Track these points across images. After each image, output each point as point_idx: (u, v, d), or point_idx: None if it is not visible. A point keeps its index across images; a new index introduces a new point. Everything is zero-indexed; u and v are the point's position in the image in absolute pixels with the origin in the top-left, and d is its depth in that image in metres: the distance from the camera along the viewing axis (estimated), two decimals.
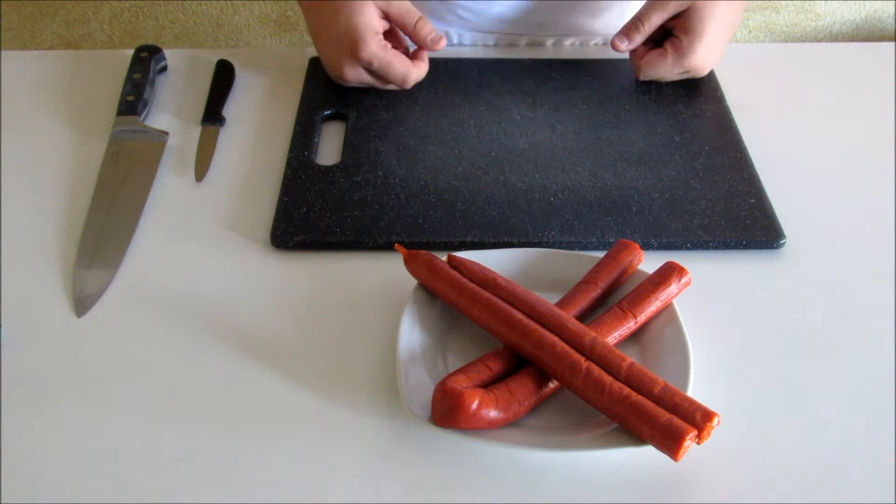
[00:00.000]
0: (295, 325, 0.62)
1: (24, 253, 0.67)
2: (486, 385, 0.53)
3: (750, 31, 2.00)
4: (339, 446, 0.54)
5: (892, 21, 1.97)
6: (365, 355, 0.59)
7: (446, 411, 0.51)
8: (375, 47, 0.77)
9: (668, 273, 0.59)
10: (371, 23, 0.76)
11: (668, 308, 0.59)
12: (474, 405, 0.50)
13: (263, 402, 0.57)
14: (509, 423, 0.53)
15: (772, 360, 0.60)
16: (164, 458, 0.53)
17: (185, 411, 0.56)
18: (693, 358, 0.55)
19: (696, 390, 0.56)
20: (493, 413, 0.51)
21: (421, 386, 0.54)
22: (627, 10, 0.92)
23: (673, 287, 0.58)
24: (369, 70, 0.79)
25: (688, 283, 0.59)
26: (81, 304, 0.63)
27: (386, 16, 0.78)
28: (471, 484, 0.52)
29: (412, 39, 0.81)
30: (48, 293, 0.64)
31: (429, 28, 0.80)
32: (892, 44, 0.93)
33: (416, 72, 0.80)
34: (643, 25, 0.81)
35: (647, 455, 0.51)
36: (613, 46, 0.82)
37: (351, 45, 0.77)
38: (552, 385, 0.54)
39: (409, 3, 0.79)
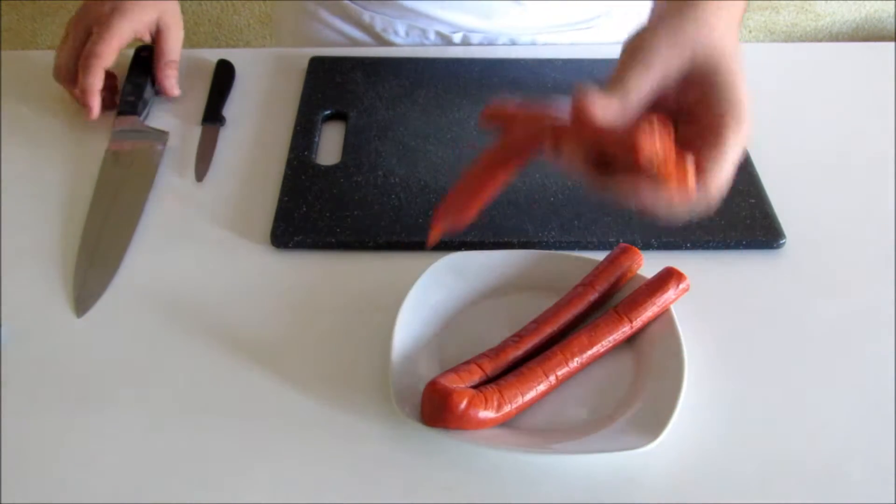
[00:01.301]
0: (295, 325, 0.62)
1: (25, 253, 0.67)
2: (477, 386, 0.53)
3: (750, 31, 2.00)
4: (338, 446, 0.54)
5: (892, 21, 1.97)
6: (365, 355, 0.59)
7: (435, 411, 0.51)
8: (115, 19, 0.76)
9: (667, 278, 0.59)
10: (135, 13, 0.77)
11: (665, 313, 0.58)
12: (462, 405, 0.50)
13: (263, 402, 0.57)
14: (503, 424, 0.53)
15: (771, 360, 0.60)
16: (164, 458, 0.53)
17: (185, 411, 0.56)
18: (687, 365, 0.55)
19: (697, 389, 0.56)
20: (482, 413, 0.51)
21: (414, 386, 0.54)
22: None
23: (670, 293, 0.58)
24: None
25: (686, 290, 0.59)
26: (81, 304, 0.63)
27: (157, 27, 0.80)
28: (471, 484, 0.52)
29: (156, 68, 0.81)
30: (48, 293, 0.64)
31: (172, 75, 0.81)
32: (892, 44, 0.93)
33: (89, 81, 0.75)
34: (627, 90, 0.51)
35: (648, 455, 0.52)
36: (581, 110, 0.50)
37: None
38: (544, 387, 0.54)
39: (179, 41, 0.81)
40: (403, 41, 0.95)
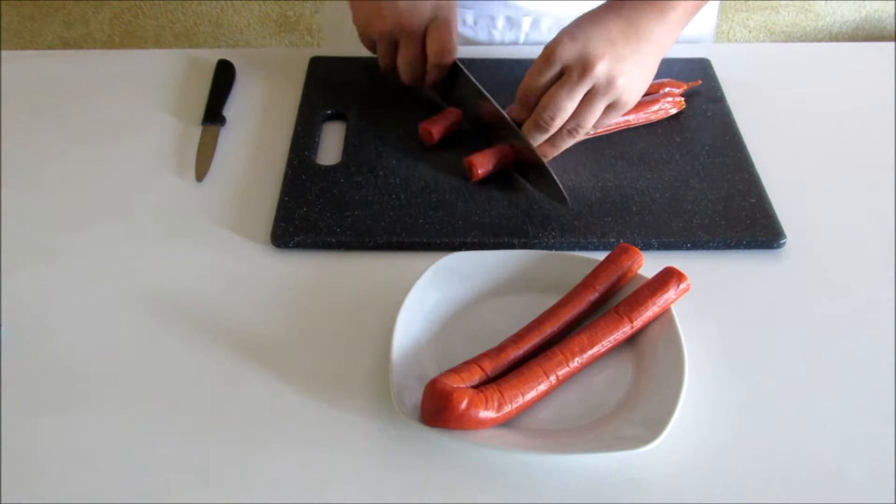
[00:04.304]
0: (294, 326, 0.62)
1: (25, 253, 0.67)
2: (478, 385, 0.53)
3: (750, 31, 2.00)
4: (338, 446, 0.54)
5: (892, 21, 1.97)
6: (365, 355, 0.59)
7: (435, 410, 0.51)
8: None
9: (667, 278, 0.59)
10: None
11: (665, 313, 0.58)
12: (463, 405, 0.50)
13: (263, 402, 0.57)
14: (503, 424, 0.53)
15: (771, 360, 0.60)
16: (164, 458, 0.53)
17: (185, 411, 0.56)
18: (687, 365, 0.54)
19: (697, 389, 0.56)
20: (482, 413, 0.51)
21: (414, 386, 0.54)
22: None
23: (671, 293, 0.58)
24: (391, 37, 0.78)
25: (686, 290, 0.59)
26: None
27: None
28: (471, 484, 0.52)
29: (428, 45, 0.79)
30: (48, 293, 0.64)
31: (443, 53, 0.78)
32: (892, 44, 0.93)
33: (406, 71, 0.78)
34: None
35: (648, 455, 0.52)
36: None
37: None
38: (544, 387, 0.54)
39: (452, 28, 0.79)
40: (472, 31, 0.94)
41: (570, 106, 0.68)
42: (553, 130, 0.69)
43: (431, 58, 0.77)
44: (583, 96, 0.68)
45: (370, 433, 0.55)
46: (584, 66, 0.67)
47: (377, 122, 0.79)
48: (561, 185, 0.69)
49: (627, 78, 0.68)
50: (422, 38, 0.77)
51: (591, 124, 0.69)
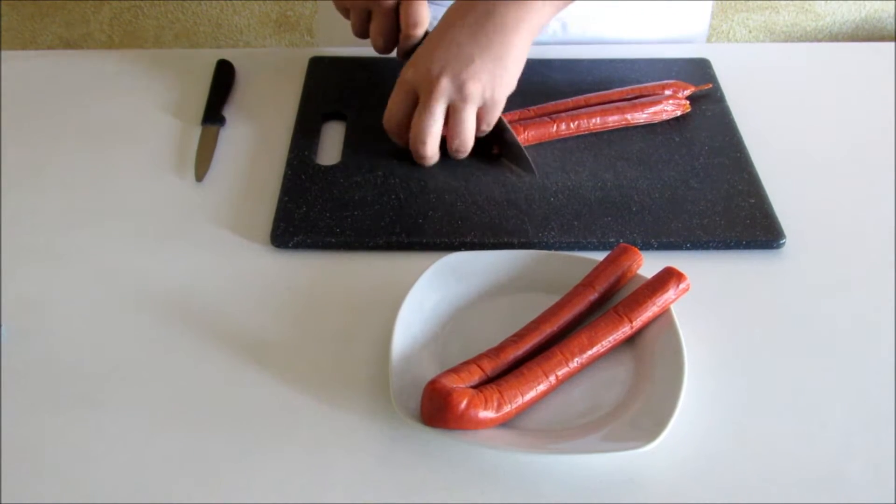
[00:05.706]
0: (294, 326, 0.62)
1: (25, 253, 0.67)
2: (477, 385, 0.53)
3: (750, 31, 2.00)
4: (338, 446, 0.54)
5: (892, 21, 1.97)
6: (365, 356, 0.59)
7: (434, 410, 0.51)
8: None
9: (667, 278, 0.59)
10: None
11: (665, 314, 0.58)
12: (462, 405, 0.50)
13: (263, 402, 0.57)
14: (503, 424, 0.53)
15: (771, 360, 0.60)
16: (164, 458, 0.53)
17: (185, 411, 0.56)
18: (687, 366, 0.54)
19: (697, 389, 0.56)
20: (482, 413, 0.51)
21: (414, 386, 0.54)
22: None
23: (671, 293, 0.58)
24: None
25: (686, 290, 0.59)
26: None
27: None
28: (470, 485, 0.52)
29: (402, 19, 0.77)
30: (48, 293, 0.64)
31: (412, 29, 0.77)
32: (892, 44, 0.93)
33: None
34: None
35: (648, 455, 0.52)
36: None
37: None
38: (544, 387, 0.54)
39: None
40: None
41: (434, 127, 0.69)
42: (433, 153, 0.70)
43: (404, 29, 0.77)
44: (446, 112, 0.68)
45: (370, 433, 0.55)
46: (428, 87, 0.67)
47: (377, 122, 0.79)
48: (528, 155, 0.71)
49: (479, 79, 0.67)
50: (394, 10, 0.77)
51: (471, 136, 0.70)
